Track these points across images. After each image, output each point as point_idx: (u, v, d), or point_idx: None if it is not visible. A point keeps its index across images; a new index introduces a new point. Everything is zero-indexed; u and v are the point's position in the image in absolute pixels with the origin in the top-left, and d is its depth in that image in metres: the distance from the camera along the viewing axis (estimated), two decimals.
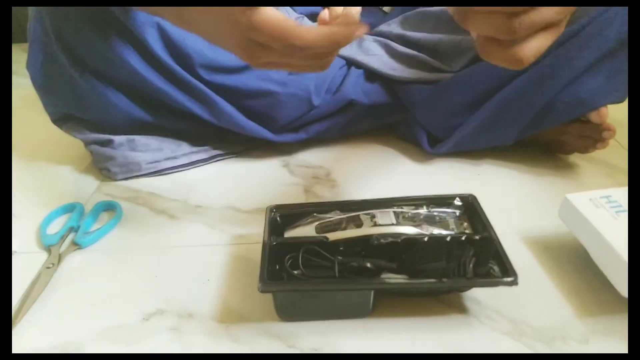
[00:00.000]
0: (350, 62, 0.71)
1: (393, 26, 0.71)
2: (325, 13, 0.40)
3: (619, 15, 0.55)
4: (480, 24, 0.33)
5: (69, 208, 0.62)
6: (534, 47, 0.33)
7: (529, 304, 0.46)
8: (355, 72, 0.70)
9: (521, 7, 0.31)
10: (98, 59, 0.61)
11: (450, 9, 0.34)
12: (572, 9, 0.34)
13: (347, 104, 0.70)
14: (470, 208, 0.50)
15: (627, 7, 0.55)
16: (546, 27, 0.33)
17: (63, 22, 0.60)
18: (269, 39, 0.35)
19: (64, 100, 0.66)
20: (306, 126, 0.71)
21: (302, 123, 0.71)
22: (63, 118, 0.69)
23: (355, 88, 0.69)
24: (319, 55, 0.38)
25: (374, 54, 0.69)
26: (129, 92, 0.64)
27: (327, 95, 0.69)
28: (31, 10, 0.62)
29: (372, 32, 0.73)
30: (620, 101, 0.61)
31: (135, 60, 0.61)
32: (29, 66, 0.63)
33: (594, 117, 0.61)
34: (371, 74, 0.70)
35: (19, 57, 1.24)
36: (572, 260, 0.50)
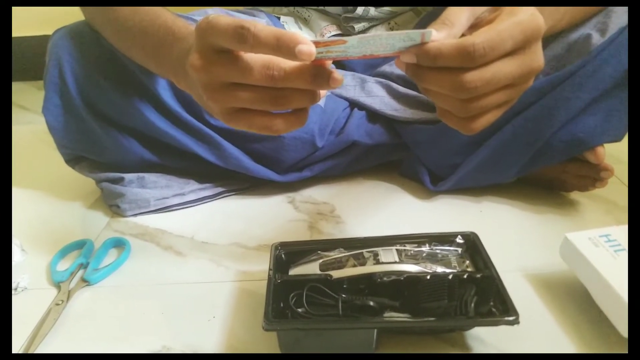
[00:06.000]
0: (354, 104, 0.73)
1: (395, 67, 0.73)
2: None
3: (614, 56, 0.57)
4: (438, 101, 0.38)
5: (79, 245, 0.63)
6: (484, 121, 0.39)
7: (532, 342, 0.46)
8: (358, 114, 0.72)
9: (476, 87, 0.35)
10: (111, 107, 0.65)
11: (410, 77, 0.38)
12: (533, 74, 0.38)
13: (350, 145, 0.72)
14: (472, 246, 0.51)
15: (621, 49, 0.57)
16: (499, 105, 0.38)
17: (79, 69, 0.63)
18: (226, 30, 0.35)
19: (78, 143, 0.68)
20: (311, 165, 0.73)
21: (306, 163, 0.73)
22: (76, 159, 0.72)
23: (359, 129, 0.71)
24: (288, 98, 0.37)
25: (376, 96, 0.71)
26: (140, 137, 0.68)
27: (331, 137, 0.71)
28: (49, 53, 0.65)
29: (375, 72, 0.75)
30: (618, 140, 0.62)
31: (146, 108, 0.65)
32: (44, 109, 0.65)
33: (590, 157, 0.62)
34: (374, 115, 0.72)
35: (34, 95, 1.28)
36: (574, 298, 0.51)
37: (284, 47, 0.33)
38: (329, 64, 0.37)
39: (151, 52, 0.52)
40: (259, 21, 0.74)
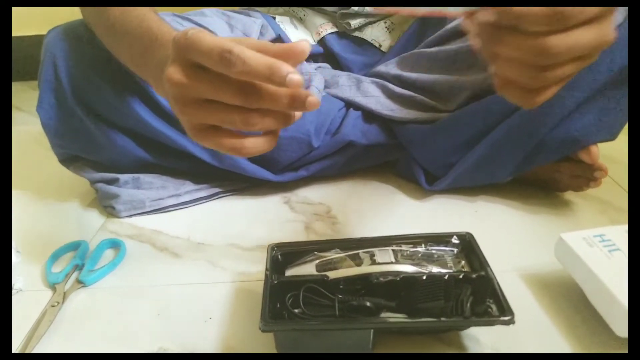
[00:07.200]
0: (349, 104, 0.73)
1: (390, 67, 0.73)
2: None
3: (608, 55, 0.57)
4: (509, 69, 0.35)
5: (74, 246, 0.63)
6: (550, 94, 0.36)
7: (527, 342, 0.47)
8: (353, 114, 0.72)
9: (560, 53, 0.32)
10: (106, 106, 0.65)
11: (476, 45, 0.35)
12: (603, 47, 0.35)
13: (346, 145, 0.72)
14: (468, 246, 0.51)
15: (614, 48, 0.57)
16: (564, 78, 0.35)
17: (74, 68, 0.63)
18: (211, 52, 0.34)
19: (72, 142, 0.68)
20: (306, 165, 0.73)
21: (302, 163, 0.73)
22: (70, 159, 0.72)
23: (354, 129, 0.71)
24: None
25: (371, 96, 0.71)
26: (135, 136, 0.67)
27: (327, 137, 0.71)
28: (44, 51, 0.64)
29: (370, 72, 0.75)
30: (612, 139, 0.63)
31: (140, 108, 0.65)
32: (38, 108, 0.65)
33: (584, 157, 0.62)
34: (369, 115, 0.72)
35: (28, 95, 1.28)
36: (569, 298, 0.51)
37: (276, 77, 0.33)
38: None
39: (136, 56, 0.52)
40: (254, 22, 0.74)
